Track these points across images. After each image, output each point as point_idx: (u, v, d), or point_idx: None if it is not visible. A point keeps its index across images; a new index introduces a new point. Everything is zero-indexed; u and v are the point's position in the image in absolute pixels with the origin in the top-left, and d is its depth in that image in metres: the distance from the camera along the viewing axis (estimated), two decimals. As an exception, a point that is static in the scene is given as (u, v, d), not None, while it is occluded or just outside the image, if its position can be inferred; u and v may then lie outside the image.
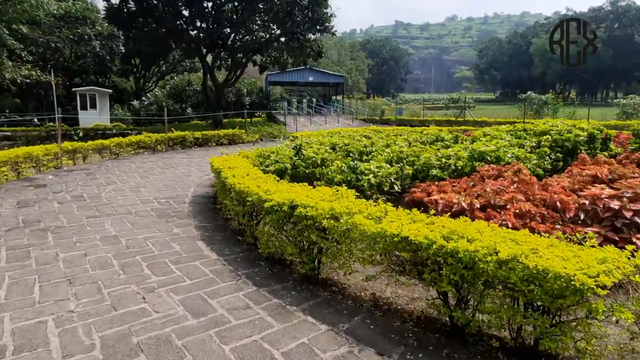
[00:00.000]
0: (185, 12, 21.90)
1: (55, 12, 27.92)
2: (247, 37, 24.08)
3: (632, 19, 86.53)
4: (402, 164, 7.46)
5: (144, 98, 37.57)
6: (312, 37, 23.76)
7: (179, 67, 43.07)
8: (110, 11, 20.82)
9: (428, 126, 29.34)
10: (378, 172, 6.76)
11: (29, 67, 21.42)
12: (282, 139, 20.80)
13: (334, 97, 48.56)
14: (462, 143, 10.09)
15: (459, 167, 6.95)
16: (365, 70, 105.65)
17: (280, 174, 8.04)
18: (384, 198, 6.65)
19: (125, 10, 20.52)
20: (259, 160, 9.24)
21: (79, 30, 32.20)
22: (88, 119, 28.81)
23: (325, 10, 23.06)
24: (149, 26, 22.71)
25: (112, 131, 24.99)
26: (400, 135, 12.42)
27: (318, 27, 23.16)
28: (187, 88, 36.97)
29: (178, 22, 22.33)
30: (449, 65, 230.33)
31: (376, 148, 8.94)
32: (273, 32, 24.27)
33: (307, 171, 8.20)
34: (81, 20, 33.09)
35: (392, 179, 6.76)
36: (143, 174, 10.13)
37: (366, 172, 6.73)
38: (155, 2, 20.07)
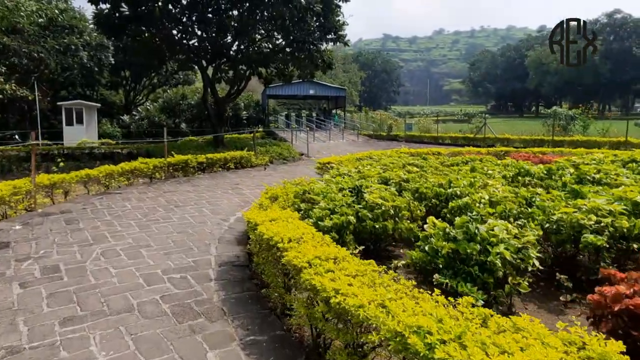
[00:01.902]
0: (184, 19, 19.63)
1: (36, 16, 25.57)
2: (251, 47, 21.89)
3: (629, 32, 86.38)
4: (525, 222, 5.17)
5: (134, 112, 35.26)
6: (323, 47, 21.64)
7: (171, 80, 40.86)
8: (99, 17, 18.46)
9: (442, 143, 27.29)
10: (509, 239, 4.46)
11: (2, 80, 18.91)
12: (294, 161, 18.52)
13: (334, 111, 46.50)
14: (555, 179, 7.85)
15: (621, 230, 4.69)
16: (358, 83, 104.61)
17: (340, 230, 5.74)
18: (526, 283, 4.34)
19: (116, 15, 18.17)
20: (295, 202, 6.97)
21: (65, 40, 29.88)
22: (74, 135, 26.43)
23: (337, 18, 20.99)
24: (142, 35, 20.43)
25: (99, 150, 22.61)
26: (455, 165, 10.17)
27: (331, 36, 21.05)
28: (181, 102, 34.72)
29: (176, 30, 20.07)
30: (437, 78, 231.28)
31: (460, 190, 6.64)
32: (278, 41, 22.14)
33: (376, 226, 5.88)
34: (68, 30, 30.80)
35: (533, 251, 4.46)
36: (142, 221, 7.70)
37: (491, 239, 4.43)
38: (151, 6, 17.75)
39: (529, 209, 5.56)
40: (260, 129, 35.18)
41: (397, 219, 6.10)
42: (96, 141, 26.76)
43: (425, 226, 5.19)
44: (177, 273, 5.21)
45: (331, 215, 5.91)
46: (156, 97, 39.28)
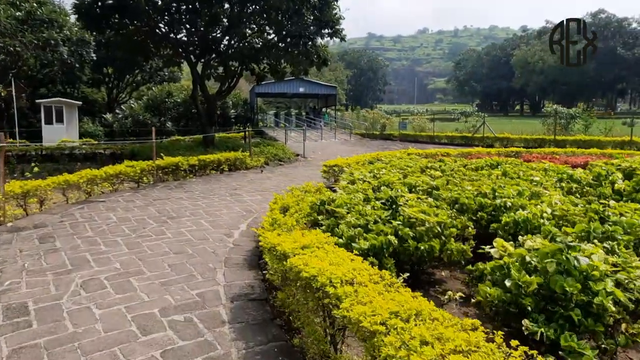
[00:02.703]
0: (172, 10, 18.32)
1: (14, 8, 24.06)
2: (242, 42, 20.72)
3: (613, 32, 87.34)
4: (614, 246, 4.18)
5: (117, 111, 33.80)
6: (320, 42, 20.55)
7: (156, 77, 39.34)
8: (80, 7, 17.06)
9: (439, 143, 26.44)
10: (612, 271, 3.47)
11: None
12: (291, 162, 17.42)
13: (324, 110, 45.49)
14: (606, 186, 6.92)
15: None
16: (345, 81, 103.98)
17: (378, 253, 4.71)
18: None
19: (99, 5, 16.79)
20: (311, 214, 5.98)
21: (44, 35, 28.25)
22: (53, 134, 25.02)
23: (334, 12, 19.93)
24: (127, 28, 19.08)
25: (80, 150, 21.19)
26: (482, 169, 9.20)
27: (327, 31, 19.97)
28: (166, 100, 33.36)
29: (163, 23, 18.76)
30: (421, 77, 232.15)
31: (511, 201, 5.64)
32: (270, 37, 20.99)
33: (421, 247, 4.85)
34: (47, 24, 29.17)
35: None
36: (131, 238, 6.53)
37: (593, 273, 3.43)
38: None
39: (610, 227, 4.57)
40: (249, 128, 33.97)
41: (443, 237, 5.07)
42: (77, 140, 25.33)
43: (492, 250, 4.17)
44: (180, 313, 4.09)
45: (365, 234, 4.88)
46: (140, 95, 37.79)
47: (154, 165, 11.69)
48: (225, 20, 19.47)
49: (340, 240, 4.79)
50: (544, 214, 5.09)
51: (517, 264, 3.79)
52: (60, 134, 24.99)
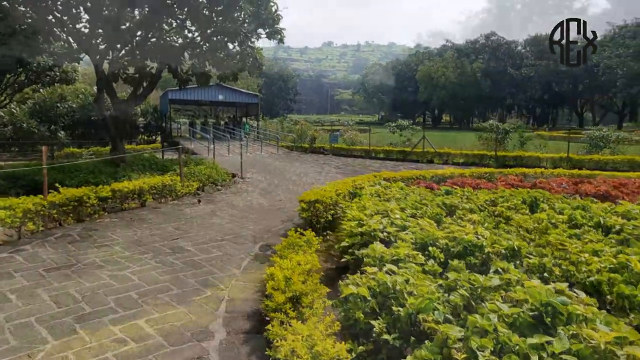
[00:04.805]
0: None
1: None
2: (161, 39, 17.08)
3: (504, 53, 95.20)
4: None
5: (-7, 117, 27.67)
6: (255, 42, 17.62)
7: (44, 77, 33.12)
8: None
9: (376, 157, 24.80)
10: None
11: None
12: (228, 185, 14.22)
13: (244, 120, 42.13)
14: None
15: None
16: (256, 90, 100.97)
17: None
18: None
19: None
20: (353, 315, 3.32)
21: None
22: None
23: (273, 9, 17.15)
24: (5, 12, 14.57)
25: (-64, 170, 15.90)
26: (518, 208, 7.03)
27: (267, 30, 17.10)
28: (58, 104, 28.00)
29: (56, 7, 14.52)
30: (328, 88, 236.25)
31: None
32: (193, 35, 17.60)
33: None
34: None
35: None
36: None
37: None
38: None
39: None
40: (160, 139, 29.81)
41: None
42: None
43: None
44: None
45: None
46: (24, 98, 31.56)
47: (45, 204, 7.92)
48: (139, 10, 15.80)
49: None
50: None
51: None
52: None
